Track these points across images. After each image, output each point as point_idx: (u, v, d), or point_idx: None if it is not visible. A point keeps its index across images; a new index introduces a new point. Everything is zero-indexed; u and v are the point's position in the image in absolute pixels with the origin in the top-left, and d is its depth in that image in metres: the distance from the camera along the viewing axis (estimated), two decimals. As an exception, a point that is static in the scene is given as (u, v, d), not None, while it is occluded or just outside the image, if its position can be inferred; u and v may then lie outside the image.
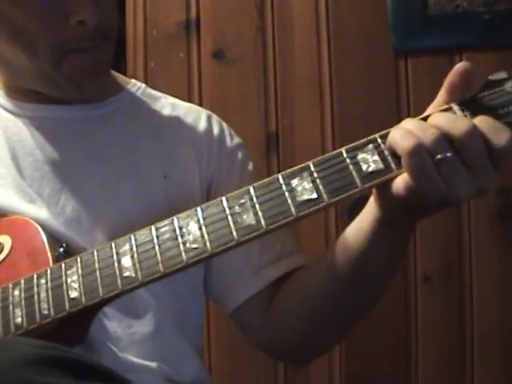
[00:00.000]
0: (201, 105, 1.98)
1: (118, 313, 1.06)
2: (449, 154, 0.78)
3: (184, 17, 2.04)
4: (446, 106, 0.83)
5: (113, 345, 1.05)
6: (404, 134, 0.80)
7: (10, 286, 0.95)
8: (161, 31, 2.05)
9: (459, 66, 0.83)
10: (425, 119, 0.82)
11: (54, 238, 1.03)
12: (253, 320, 1.16)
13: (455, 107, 0.82)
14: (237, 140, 1.24)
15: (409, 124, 0.82)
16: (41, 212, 1.07)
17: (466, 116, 0.81)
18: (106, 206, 1.09)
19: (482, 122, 0.80)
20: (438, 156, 0.78)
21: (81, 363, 0.76)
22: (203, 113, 1.25)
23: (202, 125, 1.22)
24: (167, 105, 1.24)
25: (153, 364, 1.07)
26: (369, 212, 0.95)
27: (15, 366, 0.71)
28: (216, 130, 1.22)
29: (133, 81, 1.26)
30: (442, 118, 0.81)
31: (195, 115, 1.24)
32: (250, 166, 1.22)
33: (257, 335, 1.18)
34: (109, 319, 1.06)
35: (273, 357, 1.31)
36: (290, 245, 1.18)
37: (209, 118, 1.24)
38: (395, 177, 0.82)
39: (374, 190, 0.89)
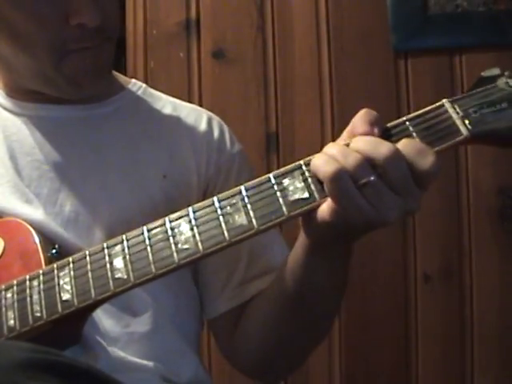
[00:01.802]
0: (201, 105, 1.98)
1: (115, 312, 1.06)
2: (372, 178, 0.79)
3: (184, 17, 2.04)
4: (438, 104, 0.83)
5: (110, 344, 1.05)
6: (326, 160, 0.81)
7: (3, 288, 0.95)
8: (161, 31, 2.05)
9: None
10: (348, 145, 0.82)
11: (48, 239, 1.03)
12: (225, 333, 1.17)
13: (447, 104, 0.82)
14: (237, 145, 1.23)
15: (331, 149, 0.82)
16: (37, 212, 1.06)
17: (458, 113, 0.81)
18: (104, 206, 1.09)
19: (405, 145, 0.81)
20: (362, 181, 0.79)
21: (73, 367, 0.76)
22: (204, 114, 1.24)
23: (202, 126, 1.21)
24: (168, 105, 1.23)
25: (150, 363, 1.07)
26: (300, 239, 0.95)
27: (4, 370, 0.70)
28: (216, 133, 1.21)
29: (133, 81, 1.25)
30: (363, 142, 0.81)
31: (196, 116, 1.23)
32: (248, 174, 1.21)
33: (225, 348, 1.19)
34: (106, 318, 1.05)
35: (239, 371, 1.29)
36: (278, 257, 1.16)
37: (209, 121, 1.22)
38: None
39: (300, 218, 0.88)
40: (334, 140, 1.91)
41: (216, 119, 1.24)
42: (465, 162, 1.92)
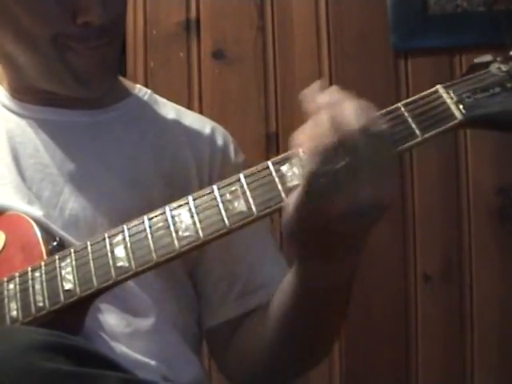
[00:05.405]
0: (201, 105, 1.99)
1: (118, 312, 1.06)
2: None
3: (184, 17, 2.04)
4: (432, 89, 0.84)
5: (112, 339, 1.04)
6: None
7: (5, 279, 0.95)
8: (161, 31, 2.05)
9: None
10: None
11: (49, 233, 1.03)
12: (220, 344, 1.17)
13: (441, 90, 0.83)
14: (240, 157, 1.22)
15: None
16: (39, 214, 1.06)
17: (452, 98, 0.82)
18: (104, 212, 1.09)
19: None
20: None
21: (85, 351, 0.78)
22: (208, 124, 1.23)
23: (205, 136, 1.20)
24: (172, 111, 1.23)
25: (152, 361, 1.07)
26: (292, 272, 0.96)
27: (22, 351, 0.73)
28: (220, 144, 1.20)
29: (138, 86, 1.25)
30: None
31: (200, 125, 1.22)
32: None
33: (219, 358, 1.19)
34: (109, 317, 1.05)
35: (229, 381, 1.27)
36: (278, 271, 1.15)
37: (213, 130, 1.22)
38: None
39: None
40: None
41: (220, 129, 1.24)
42: (465, 162, 1.93)
